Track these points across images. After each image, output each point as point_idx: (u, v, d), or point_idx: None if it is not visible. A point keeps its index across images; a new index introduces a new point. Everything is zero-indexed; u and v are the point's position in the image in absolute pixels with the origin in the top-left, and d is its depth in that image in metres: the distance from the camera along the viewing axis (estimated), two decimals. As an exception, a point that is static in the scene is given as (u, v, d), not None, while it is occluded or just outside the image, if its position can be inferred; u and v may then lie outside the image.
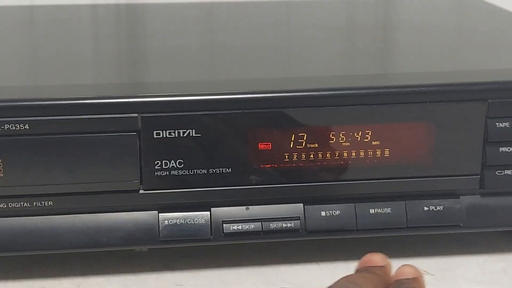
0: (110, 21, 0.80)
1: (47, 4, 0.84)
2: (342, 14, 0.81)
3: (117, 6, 0.88)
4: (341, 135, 0.49)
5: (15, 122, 0.46)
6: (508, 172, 0.51)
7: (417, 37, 0.66)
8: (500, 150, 0.50)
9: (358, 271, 0.42)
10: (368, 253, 0.44)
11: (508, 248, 0.56)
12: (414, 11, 0.81)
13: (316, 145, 0.49)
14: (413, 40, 0.65)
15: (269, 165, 0.49)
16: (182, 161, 0.48)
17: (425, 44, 0.63)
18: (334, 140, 0.49)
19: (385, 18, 0.80)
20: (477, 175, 0.51)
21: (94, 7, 0.86)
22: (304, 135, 0.49)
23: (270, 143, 0.49)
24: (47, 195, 0.48)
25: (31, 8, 0.83)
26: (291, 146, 0.49)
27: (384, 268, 0.42)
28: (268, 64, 0.57)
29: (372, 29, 0.72)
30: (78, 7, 0.83)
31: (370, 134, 0.50)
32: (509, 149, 0.50)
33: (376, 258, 0.43)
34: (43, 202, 0.48)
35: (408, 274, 0.42)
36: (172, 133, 0.48)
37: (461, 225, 0.52)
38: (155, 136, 0.48)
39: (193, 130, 0.48)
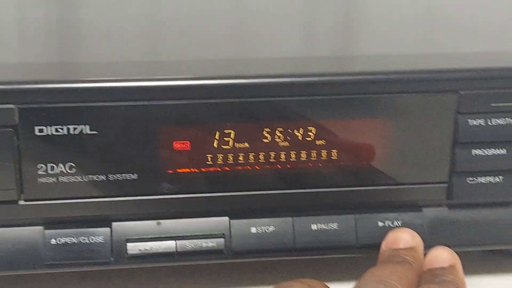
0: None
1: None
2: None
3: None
4: (277, 132, 0.44)
5: None
6: (481, 180, 0.46)
7: (380, 9, 0.61)
8: (473, 153, 0.45)
9: (384, 255, 0.40)
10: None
11: (484, 270, 0.49)
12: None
13: (247, 144, 0.44)
14: (374, 12, 0.60)
15: (187, 170, 0.43)
16: (73, 164, 0.42)
17: (388, 18, 0.58)
18: (269, 138, 0.44)
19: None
20: (444, 183, 0.46)
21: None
22: (231, 133, 0.43)
23: (188, 142, 0.43)
24: None
25: None
26: (215, 145, 0.43)
27: (415, 250, 0.40)
28: (194, 42, 0.50)
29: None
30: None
31: (313, 131, 0.44)
32: (483, 152, 0.45)
33: (405, 236, 0.41)
34: None
35: (443, 261, 0.39)
36: (60, 130, 0.41)
37: (424, 244, 0.45)
38: (37, 133, 0.41)
39: (87, 126, 0.41)
